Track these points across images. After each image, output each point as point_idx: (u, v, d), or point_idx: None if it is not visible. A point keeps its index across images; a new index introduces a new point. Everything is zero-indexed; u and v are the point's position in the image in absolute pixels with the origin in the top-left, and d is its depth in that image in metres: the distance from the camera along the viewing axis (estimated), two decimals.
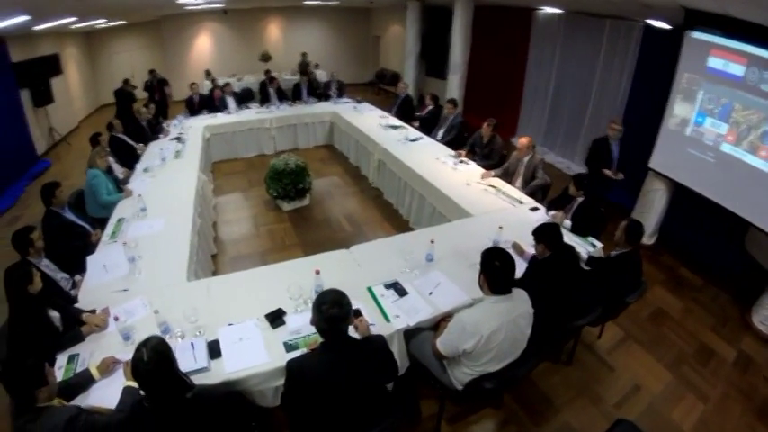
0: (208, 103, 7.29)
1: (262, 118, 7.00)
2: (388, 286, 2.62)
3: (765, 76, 3.23)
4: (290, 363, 1.70)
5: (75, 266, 3.00)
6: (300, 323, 2.26)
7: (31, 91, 7.16)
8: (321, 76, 10.36)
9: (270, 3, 11.06)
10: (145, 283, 2.74)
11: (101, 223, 3.60)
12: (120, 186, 4.17)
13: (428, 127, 6.14)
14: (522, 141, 4.31)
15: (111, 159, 4.62)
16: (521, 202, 3.88)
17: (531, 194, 4.09)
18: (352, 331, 2.20)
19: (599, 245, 3.21)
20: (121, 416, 1.70)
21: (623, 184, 4.39)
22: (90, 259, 3.00)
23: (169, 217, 3.57)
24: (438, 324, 2.36)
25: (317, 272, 2.43)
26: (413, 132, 5.90)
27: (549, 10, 6.63)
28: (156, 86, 8.46)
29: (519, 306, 1.99)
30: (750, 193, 3.50)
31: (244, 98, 8.23)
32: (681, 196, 4.37)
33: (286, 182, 5.03)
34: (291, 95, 7.91)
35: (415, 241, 3.09)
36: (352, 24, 12.78)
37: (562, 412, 2.70)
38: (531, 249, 2.77)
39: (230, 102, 7.27)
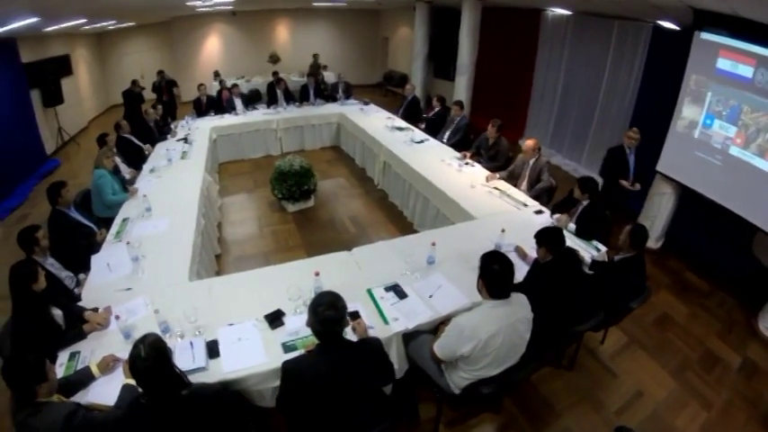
0: (215, 104, 7.35)
1: (268, 119, 7.04)
2: (387, 288, 2.62)
3: None
4: (286, 364, 1.71)
5: (80, 265, 3.04)
6: (299, 324, 2.26)
7: (42, 91, 7.28)
8: (329, 77, 10.40)
9: (278, 4, 11.13)
10: (147, 282, 2.77)
11: (106, 223, 3.64)
12: (126, 186, 4.22)
13: (434, 129, 6.13)
14: (528, 143, 4.28)
15: (117, 159, 4.68)
16: (525, 205, 3.85)
17: (536, 197, 4.05)
18: (350, 333, 2.21)
19: (603, 249, 3.17)
20: (119, 413, 1.72)
21: None
22: (94, 258, 3.04)
23: (173, 217, 3.60)
24: (438, 327, 2.35)
25: (317, 273, 2.43)
26: (418, 134, 5.89)
27: (557, 11, 6.57)
28: (165, 87, 8.55)
29: (518, 311, 1.97)
30: (758, 196, 3.44)
31: (251, 99, 8.29)
32: (688, 200, 4.30)
33: (291, 183, 5.05)
34: (299, 97, 7.95)
35: (417, 243, 3.08)
36: (361, 26, 12.80)
37: (563, 418, 2.67)
38: (534, 253, 2.75)
39: (238, 103, 7.32)
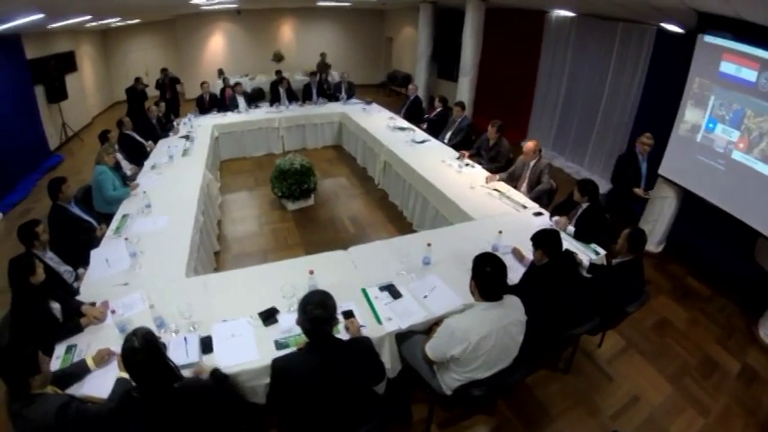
0: (218, 101, 7.38)
1: (271, 117, 7.06)
2: (382, 288, 2.61)
3: None
4: (275, 361, 1.71)
5: (80, 260, 3.06)
6: (292, 322, 2.24)
7: (46, 87, 7.32)
8: (333, 76, 10.42)
9: (283, 3, 11.16)
10: (145, 278, 2.79)
11: (107, 218, 3.66)
12: (126, 183, 4.24)
13: (436, 129, 6.13)
14: (529, 145, 4.26)
15: (119, 156, 4.70)
16: (524, 207, 3.83)
17: (536, 199, 4.04)
18: (343, 332, 2.22)
19: (602, 252, 3.15)
20: (111, 405, 1.76)
21: None
22: (93, 253, 3.06)
23: (173, 214, 3.62)
24: (431, 328, 2.34)
25: (311, 272, 2.44)
26: (420, 134, 5.89)
27: (561, 13, 6.55)
28: (168, 85, 8.59)
29: (511, 313, 1.96)
30: (761, 202, 3.40)
31: (254, 98, 8.32)
32: (690, 204, 4.27)
33: (291, 181, 5.06)
34: (301, 96, 7.97)
35: (414, 244, 3.07)
36: (365, 26, 12.81)
37: (557, 422, 2.65)
38: (531, 255, 2.73)
39: (240, 101, 7.34)
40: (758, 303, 3.59)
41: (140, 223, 3.50)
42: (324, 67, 10.75)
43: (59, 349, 2.20)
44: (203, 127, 6.37)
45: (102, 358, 2.08)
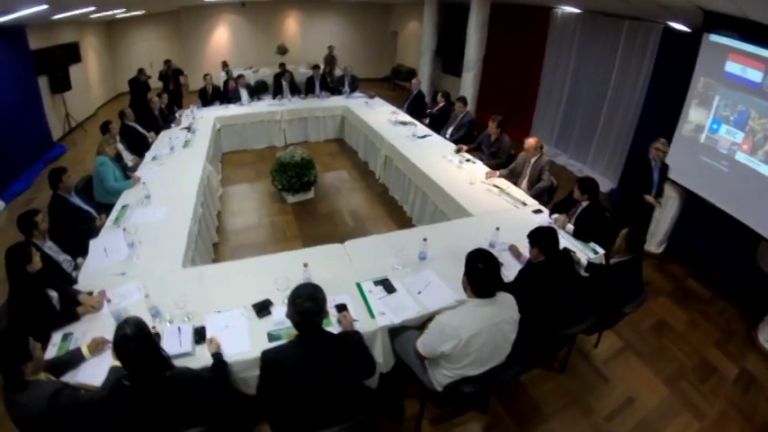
0: (220, 93, 7.37)
1: (273, 110, 7.04)
2: (377, 283, 2.61)
3: None
4: (265, 353, 1.72)
5: (79, 249, 3.07)
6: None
7: (49, 77, 7.33)
8: (337, 70, 10.40)
9: None
10: (142, 267, 2.80)
11: (107, 209, 3.66)
12: (127, 173, 4.25)
13: (438, 124, 6.09)
14: (530, 142, 4.23)
15: (120, 147, 4.72)
16: (524, 204, 3.81)
17: (536, 196, 4.01)
18: (335, 325, 2.22)
19: (601, 251, 3.13)
20: (103, 393, 1.78)
21: None
22: (92, 243, 3.07)
23: (172, 205, 3.63)
24: (425, 323, 2.33)
25: (305, 265, 2.44)
26: (421, 129, 5.86)
27: (566, 9, 6.48)
28: (171, 76, 8.58)
29: (503, 311, 1.95)
30: (764, 205, 3.36)
31: (257, 90, 8.30)
32: (693, 205, 4.22)
33: (291, 174, 5.05)
34: (304, 89, 7.95)
35: (410, 239, 3.06)
36: (370, 19, 12.73)
37: (550, 422, 2.64)
38: (528, 253, 2.71)
39: (243, 93, 7.34)
40: (759, 307, 3.55)
41: (139, 214, 3.51)
42: (331, 60, 10.72)
43: (56, 337, 2.22)
44: (205, 119, 6.36)
45: (97, 346, 2.10)
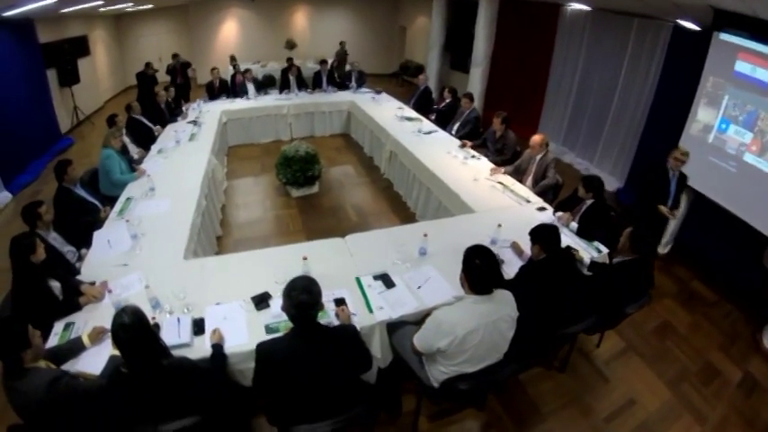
0: (227, 87, 7.39)
1: (279, 104, 7.05)
2: (376, 277, 2.60)
3: None
4: (260, 345, 1.73)
5: (83, 241, 3.10)
6: None
7: (58, 71, 7.37)
8: (346, 66, 10.37)
9: None
10: (144, 259, 2.83)
11: (112, 201, 3.70)
12: (133, 166, 4.28)
13: (444, 120, 6.07)
14: (535, 139, 4.19)
15: (126, 140, 4.75)
16: (528, 201, 3.78)
17: (541, 194, 3.98)
18: (333, 319, 2.22)
19: (604, 250, 3.09)
20: (102, 381, 1.81)
21: None
22: (96, 234, 3.10)
23: (176, 197, 3.65)
24: (423, 319, 2.33)
25: (305, 258, 2.44)
26: (427, 125, 5.84)
27: (576, 6, 6.39)
28: (179, 70, 8.61)
29: (501, 308, 1.93)
30: None
31: (265, 84, 8.30)
32: (700, 206, 4.17)
33: (295, 168, 5.06)
34: (311, 83, 7.94)
35: (412, 234, 3.06)
36: (379, 15, 12.67)
37: (548, 421, 2.62)
38: (530, 250, 2.69)
39: (250, 87, 7.35)
40: (764, 310, 3.50)
41: (144, 206, 3.54)
42: (343, 55, 10.70)
43: (58, 326, 2.25)
44: (212, 112, 6.38)
45: (98, 335, 2.13)
